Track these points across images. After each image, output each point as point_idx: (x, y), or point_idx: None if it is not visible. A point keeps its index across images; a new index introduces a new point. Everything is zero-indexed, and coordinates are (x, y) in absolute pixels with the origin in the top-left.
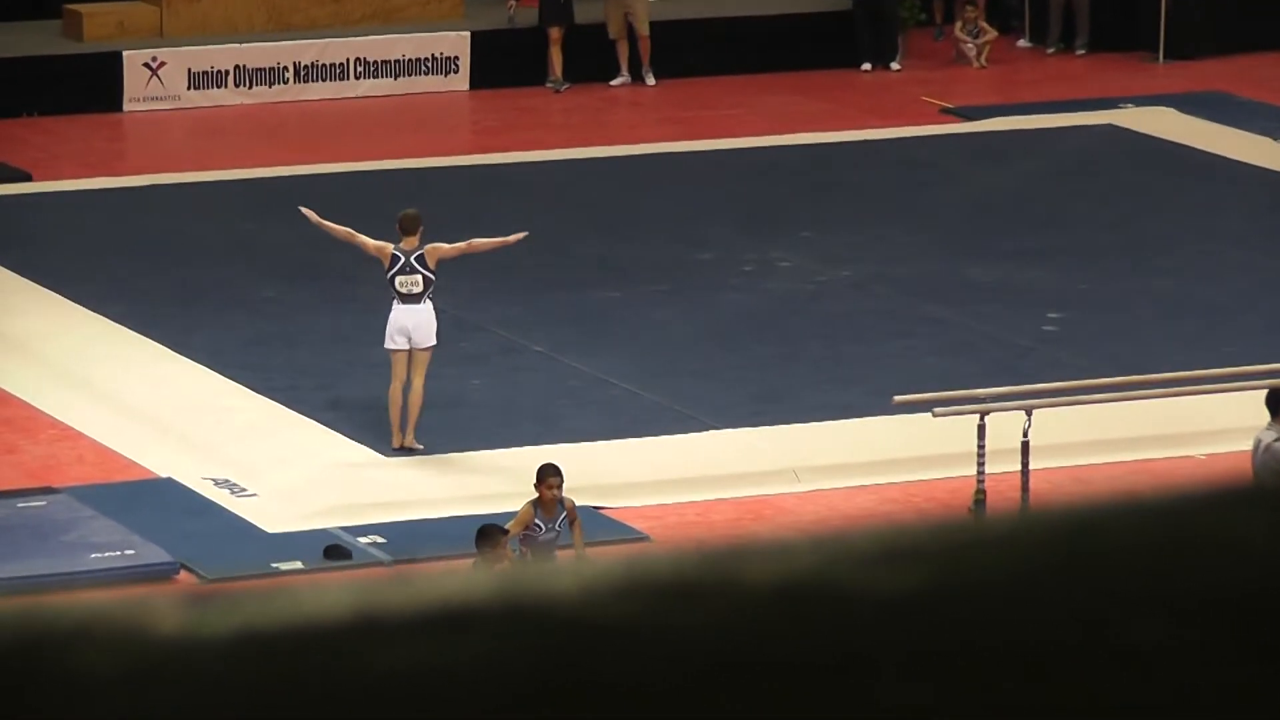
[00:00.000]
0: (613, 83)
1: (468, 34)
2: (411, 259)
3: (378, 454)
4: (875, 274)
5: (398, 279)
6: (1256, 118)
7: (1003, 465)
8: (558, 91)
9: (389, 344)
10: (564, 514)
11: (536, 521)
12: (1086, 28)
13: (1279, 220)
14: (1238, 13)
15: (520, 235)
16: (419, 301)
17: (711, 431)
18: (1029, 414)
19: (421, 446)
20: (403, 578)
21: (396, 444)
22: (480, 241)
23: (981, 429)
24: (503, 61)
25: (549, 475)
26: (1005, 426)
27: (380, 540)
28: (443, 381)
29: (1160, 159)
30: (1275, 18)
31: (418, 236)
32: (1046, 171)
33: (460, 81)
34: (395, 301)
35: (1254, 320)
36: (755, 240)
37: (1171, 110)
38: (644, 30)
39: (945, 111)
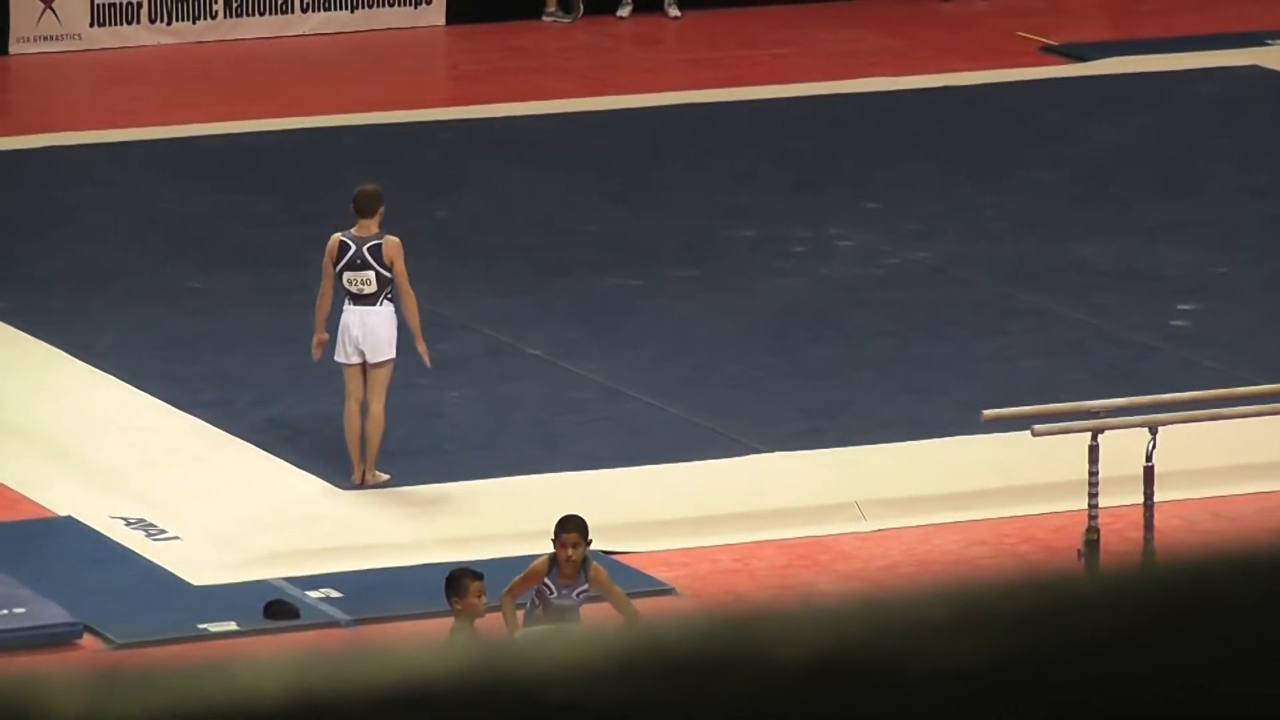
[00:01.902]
0: (619, 13)
1: None
2: (364, 249)
3: (332, 485)
4: (959, 255)
5: (345, 275)
6: None
7: (1121, 496)
8: (561, 24)
9: (338, 355)
10: (585, 586)
11: (547, 582)
12: None
13: None
14: None
15: (426, 356)
16: (373, 303)
17: (754, 455)
18: (1154, 432)
19: (387, 477)
20: (360, 647)
21: (357, 478)
22: (411, 304)
23: (1094, 451)
24: None
25: (565, 530)
26: (1124, 448)
27: (334, 594)
28: (414, 392)
29: None
30: None
31: (376, 220)
32: (1176, 125)
33: (434, 14)
34: (346, 301)
35: None
36: (808, 213)
37: None
38: None
39: (1047, 50)
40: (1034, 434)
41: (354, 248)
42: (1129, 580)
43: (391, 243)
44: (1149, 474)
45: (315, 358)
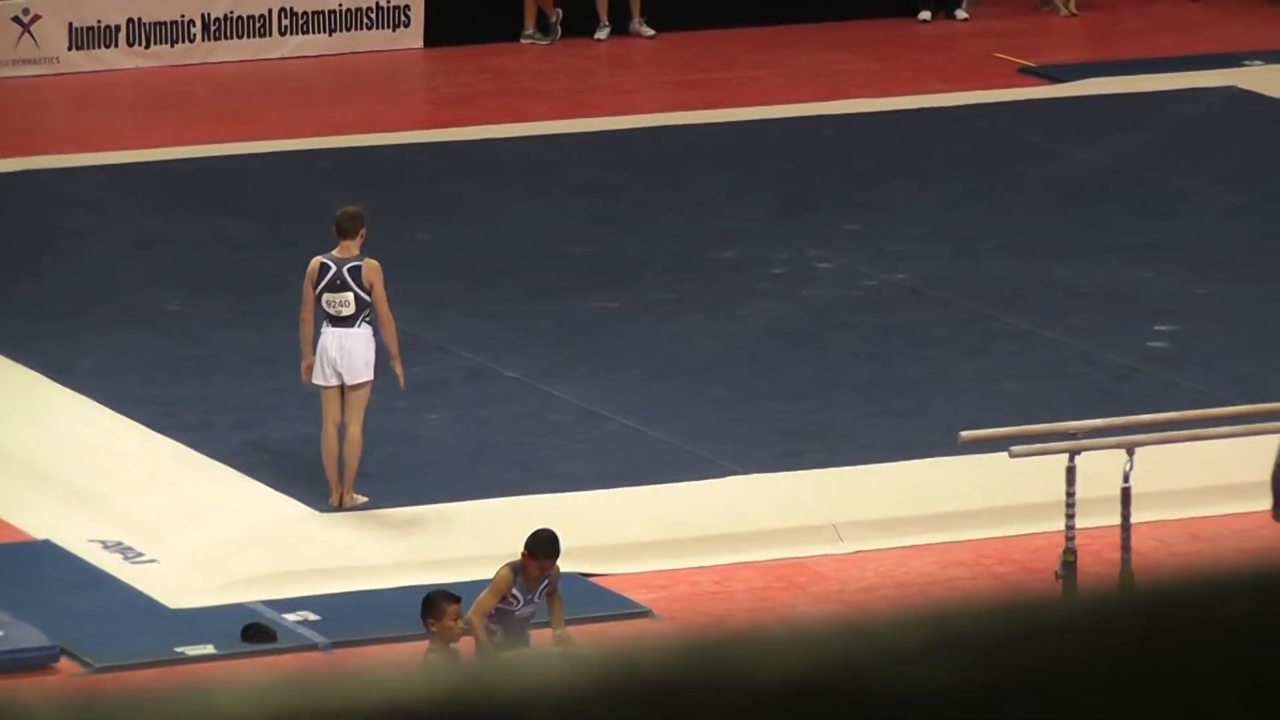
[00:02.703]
0: (597, 35)
1: None
2: (344, 270)
3: (310, 508)
4: (939, 276)
5: (324, 296)
6: None
7: (1099, 517)
8: (540, 46)
9: (316, 378)
10: (545, 584)
11: (514, 592)
12: None
13: None
14: None
15: (401, 379)
16: (351, 325)
17: (733, 477)
18: (1131, 453)
19: (364, 499)
20: (339, 671)
21: (334, 501)
22: (390, 328)
23: (1071, 472)
24: (465, 11)
25: (544, 555)
26: (1102, 469)
27: (313, 617)
28: (392, 415)
29: None
30: None
31: (357, 242)
32: (1154, 146)
33: (412, 37)
34: (325, 323)
35: None
36: (788, 235)
37: None
38: None
39: (1025, 71)
40: (1012, 455)
41: (334, 269)
42: (1107, 604)
43: (371, 265)
44: (1126, 495)
45: (305, 383)
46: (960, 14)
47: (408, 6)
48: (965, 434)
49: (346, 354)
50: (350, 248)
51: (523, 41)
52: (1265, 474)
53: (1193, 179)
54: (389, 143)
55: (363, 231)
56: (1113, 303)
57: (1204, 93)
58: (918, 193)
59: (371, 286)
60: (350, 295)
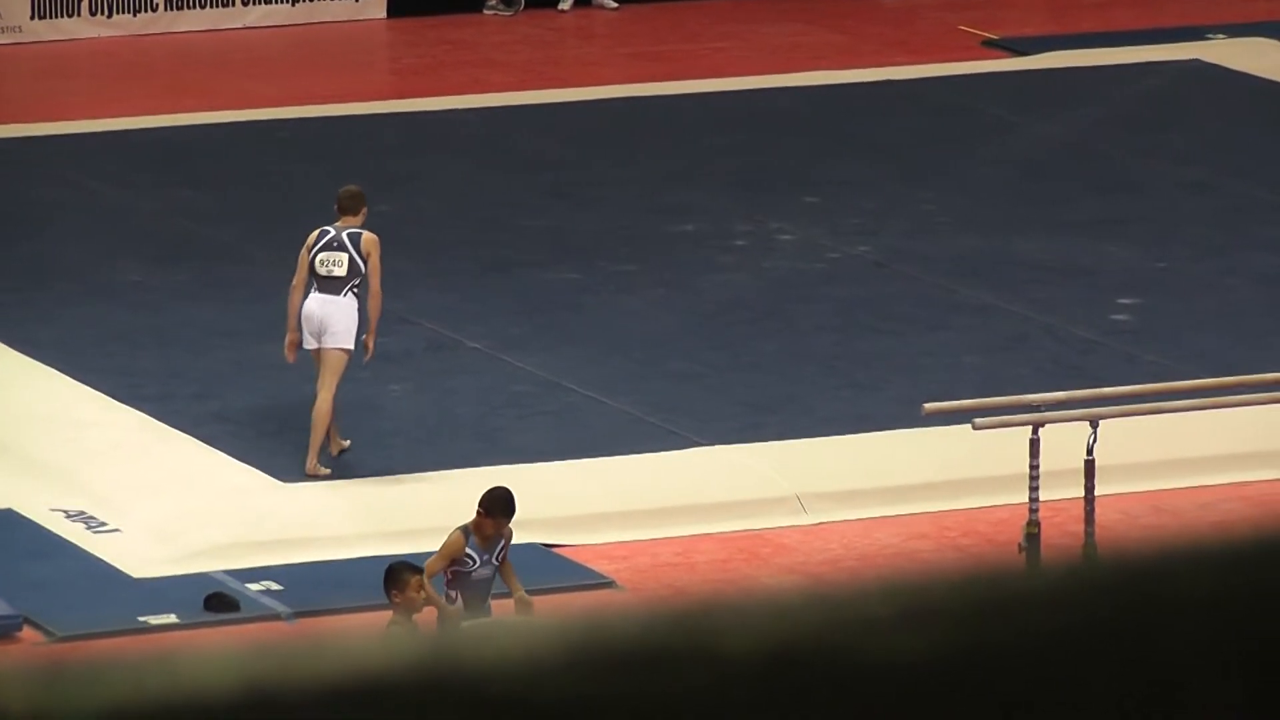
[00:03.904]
0: (561, 6)
1: None
2: (343, 234)
3: (272, 478)
4: (901, 250)
5: (319, 256)
6: None
7: (1062, 490)
8: (503, 17)
9: (306, 343)
10: (503, 545)
11: (469, 552)
12: None
13: None
14: None
15: (370, 350)
16: (338, 292)
17: (695, 449)
18: (1095, 425)
19: (326, 471)
20: (305, 640)
21: (307, 468)
22: (377, 300)
23: (1035, 445)
24: None
25: (500, 513)
26: (1065, 441)
27: (275, 587)
28: (355, 386)
29: (1260, 103)
30: None
31: (359, 219)
32: (1116, 120)
33: (375, 7)
34: (313, 289)
35: None
36: (749, 207)
37: (1273, 42)
38: None
39: (989, 45)
40: (975, 428)
41: (333, 233)
42: (1074, 576)
43: (370, 236)
44: (1090, 467)
45: (289, 359)
46: None
47: None
48: (929, 406)
49: (328, 318)
50: (351, 223)
51: (485, 13)
52: (1226, 448)
53: (1155, 153)
54: (351, 113)
55: (364, 210)
56: (1075, 276)
57: (1167, 66)
58: (880, 166)
59: (369, 255)
60: (345, 256)
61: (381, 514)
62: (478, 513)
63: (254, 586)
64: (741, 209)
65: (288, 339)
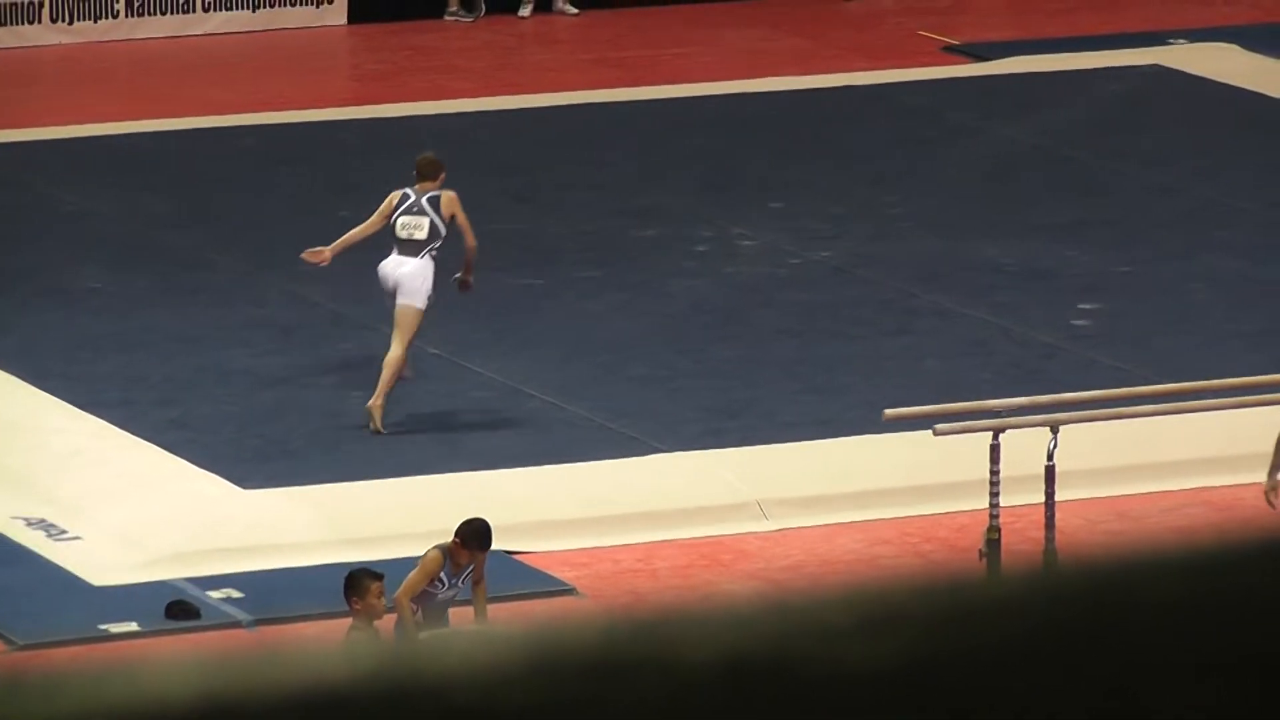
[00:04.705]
0: (521, 12)
1: None
2: (423, 200)
3: (233, 486)
4: (863, 255)
5: (400, 219)
6: None
7: (1023, 495)
8: (464, 23)
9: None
10: (470, 570)
11: (441, 575)
12: None
13: None
14: None
15: (468, 284)
16: (416, 254)
17: (656, 455)
18: (1055, 431)
19: (383, 431)
20: (263, 648)
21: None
22: (471, 244)
23: (995, 450)
24: None
25: (476, 546)
26: (1026, 447)
27: (236, 595)
28: (317, 392)
29: (1221, 108)
30: None
31: (436, 184)
32: (1078, 125)
33: (336, 14)
34: (394, 249)
35: None
36: (712, 212)
37: (1235, 47)
38: None
39: (950, 50)
40: (936, 433)
41: (413, 197)
42: (1034, 583)
43: (449, 196)
44: (1050, 473)
45: (303, 257)
46: None
47: None
48: (889, 412)
49: (403, 278)
50: (429, 187)
51: (447, 19)
52: (1188, 452)
53: (1117, 157)
54: (312, 120)
55: (442, 175)
56: (1037, 280)
57: (1128, 71)
58: (842, 171)
59: (453, 216)
60: (426, 221)
61: (343, 520)
62: (454, 540)
63: (215, 594)
64: (704, 214)
65: (316, 250)
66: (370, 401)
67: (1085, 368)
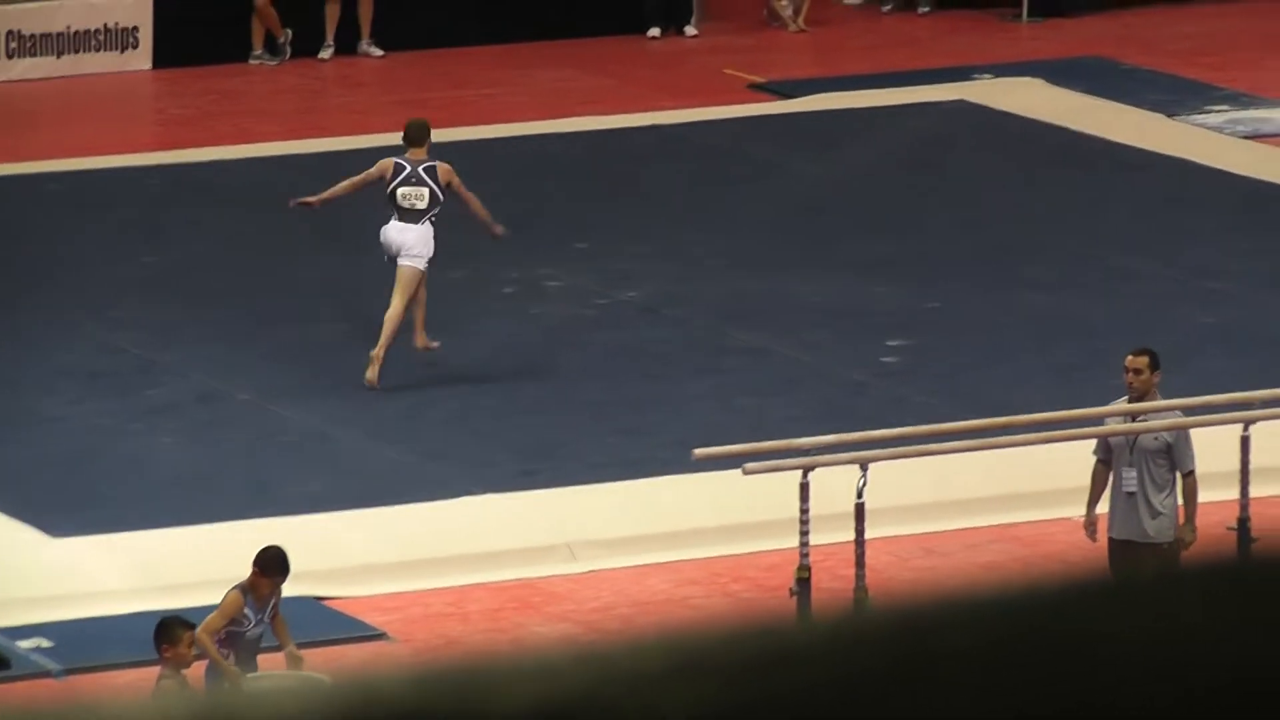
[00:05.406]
0: (321, 55)
1: None
2: (419, 169)
3: (43, 533)
4: (670, 294)
5: (400, 190)
6: (1146, 88)
7: (833, 533)
8: (268, 67)
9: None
10: (275, 601)
11: (246, 612)
12: None
13: (1176, 218)
14: None
15: (499, 229)
16: (418, 221)
17: (466, 498)
18: (864, 468)
19: (377, 386)
20: (76, 697)
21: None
22: (475, 201)
23: (805, 489)
24: (194, 32)
25: (276, 571)
26: (836, 485)
27: (46, 644)
28: (126, 439)
29: (1027, 143)
30: None
31: (425, 149)
32: (884, 162)
33: (141, 59)
34: (394, 217)
35: (1151, 342)
36: (518, 254)
37: (1039, 81)
38: None
39: (755, 88)
40: (745, 472)
41: (409, 168)
42: (843, 627)
43: (444, 167)
44: (860, 510)
45: (293, 204)
46: (690, 30)
47: (136, 28)
48: (698, 451)
49: (406, 242)
50: (419, 153)
51: (251, 63)
52: (996, 488)
53: (923, 193)
54: (118, 165)
55: (429, 141)
56: (845, 318)
57: (933, 107)
58: (648, 210)
59: (449, 183)
60: (426, 190)
61: (153, 568)
62: (253, 571)
63: (25, 644)
64: (511, 256)
65: (306, 197)
66: (373, 351)
67: (894, 404)
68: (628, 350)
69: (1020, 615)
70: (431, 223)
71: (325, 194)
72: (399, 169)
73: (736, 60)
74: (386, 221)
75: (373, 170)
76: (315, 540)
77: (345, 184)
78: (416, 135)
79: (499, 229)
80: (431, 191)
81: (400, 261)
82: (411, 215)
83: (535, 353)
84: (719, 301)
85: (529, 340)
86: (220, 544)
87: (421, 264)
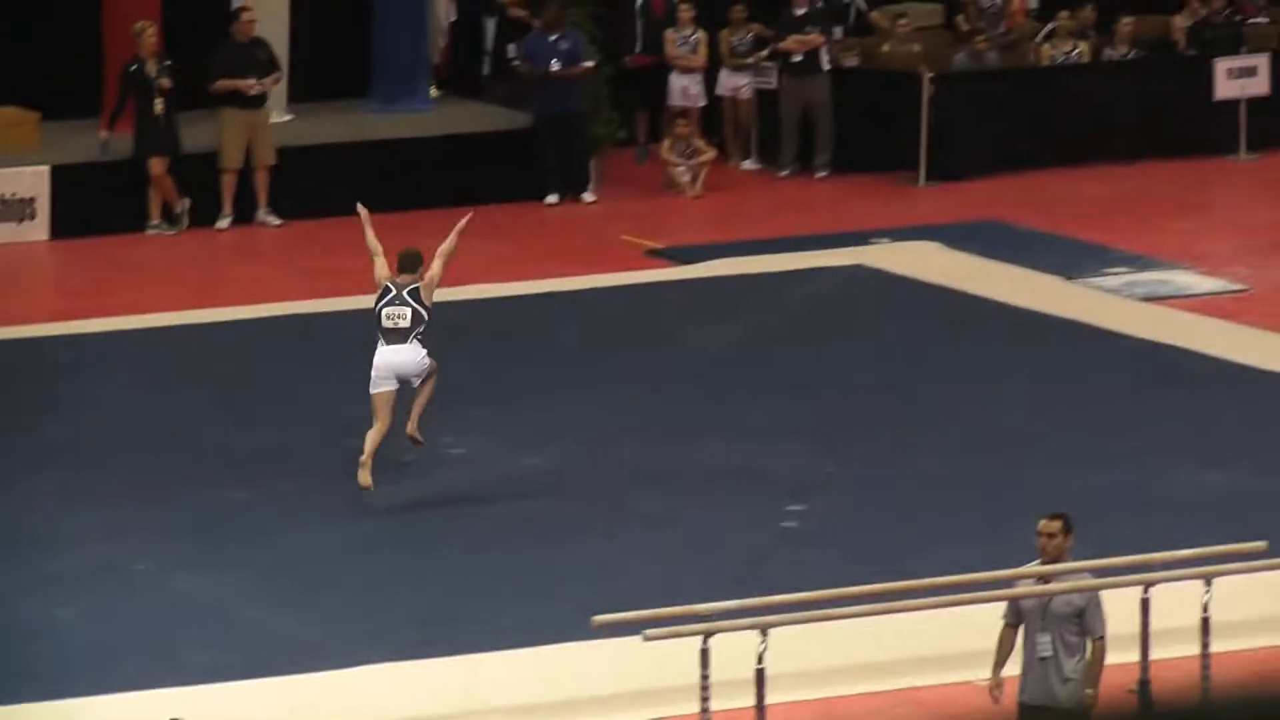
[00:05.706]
0: (218, 224)
1: (46, 169)
2: (404, 291)
3: None
4: (571, 460)
5: (384, 310)
6: (1043, 251)
7: (735, 699)
8: (166, 236)
9: (375, 387)
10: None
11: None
12: (829, 144)
13: (1078, 379)
14: (1013, 124)
15: (467, 217)
16: (405, 340)
17: (366, 666)
18: (764, 633)
19: (423, 442)
20: None
21: (363, 482)
22: (441, 246)
23: (705, 654)
24: (92, 203)
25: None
26: (737, 650)
27: None
28: (22, 611)
29: (925, 306)
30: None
31: (416, 276)
32: (782, 326)
33: (38, 230)
34: (380, 342)
35: (1052, 504)
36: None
37: (937, 245)
38: (268, 158)
39: (652, 254)
40: (646, 639)
41: (394, 290)
42: None
43: (427, 283)
44: (760, 676)
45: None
46: (587, 196)
47: (33, 199)
48: (598, 619)
49: (404, 364)
50: (409, 280)
51: (149, 232)
52: (899, 652)
53: (821, 358)
54: (15, 336)
55: (421, 269)
56: (745, 482)
57: (831, 271)
58: (549, 376)
59: (429, 291)
60: (408, 310)
61: None
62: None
63: None
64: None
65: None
66: (409, 428)
67: (795, 568)
68: (529, 516)
69: None
70: (419, 339)
71: (369, 231)
72: (385, 290)
73: (634, 226)
74: (373, 348)
75: (378, 269)
76: (215, 710)
77: (373, 244)
78: (407, 264)
79: (467, 218)
80: (414, 311)
81: (416, 383)
82: (396, 335)
83: (436, 519)
84: (620, 466)
85: (429, 508)
86: (118, 716)
87: (428, 368)
